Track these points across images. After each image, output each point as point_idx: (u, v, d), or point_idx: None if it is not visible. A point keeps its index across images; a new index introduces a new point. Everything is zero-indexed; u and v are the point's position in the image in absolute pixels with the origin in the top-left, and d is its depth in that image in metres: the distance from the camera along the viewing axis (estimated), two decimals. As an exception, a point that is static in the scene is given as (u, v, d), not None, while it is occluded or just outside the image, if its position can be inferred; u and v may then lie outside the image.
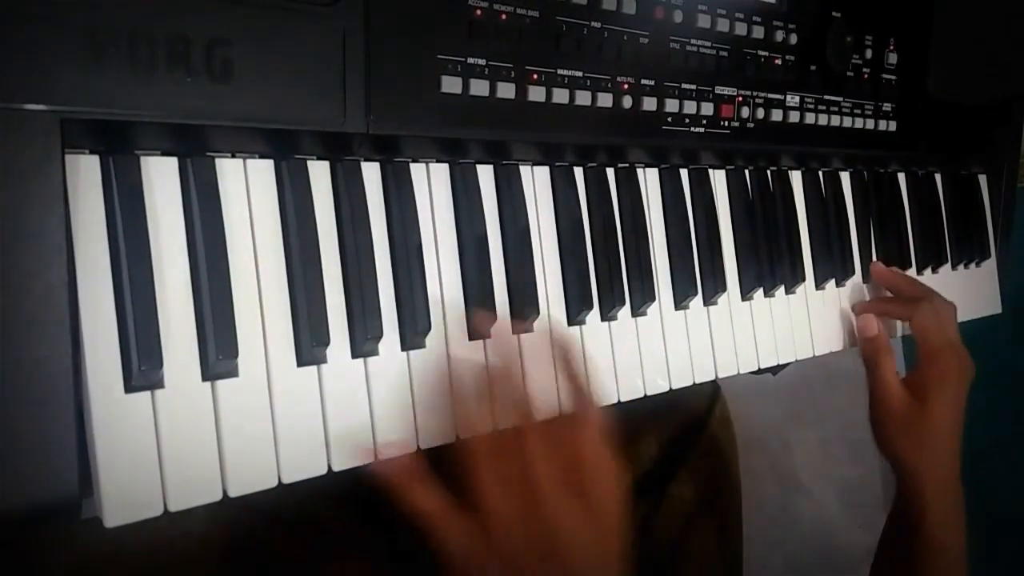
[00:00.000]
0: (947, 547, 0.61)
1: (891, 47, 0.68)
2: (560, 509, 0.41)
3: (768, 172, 0.65)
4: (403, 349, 0.45)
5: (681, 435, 0.76)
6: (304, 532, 0.56)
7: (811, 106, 0.63)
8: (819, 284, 0.68)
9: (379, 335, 0.43)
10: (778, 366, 0.65)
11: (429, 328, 0.45)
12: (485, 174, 0.49)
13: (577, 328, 0.52)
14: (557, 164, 0.52)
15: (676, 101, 0.54)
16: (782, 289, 0.65)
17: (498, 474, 0.41)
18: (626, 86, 0.52)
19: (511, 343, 0.48)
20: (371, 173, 0.45)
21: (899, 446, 0.63)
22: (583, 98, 0.49)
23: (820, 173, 0.69)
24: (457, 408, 0.45)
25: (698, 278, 0.59)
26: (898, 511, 0.65)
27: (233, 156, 0.41)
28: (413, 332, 0.44)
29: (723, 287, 0.60)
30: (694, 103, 0.55)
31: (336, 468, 0.42)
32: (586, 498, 0.42)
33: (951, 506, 0.62)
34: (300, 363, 0.41)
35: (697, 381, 0.58)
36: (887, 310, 0.69)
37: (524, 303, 0.49)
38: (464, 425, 0.44)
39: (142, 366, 0.36)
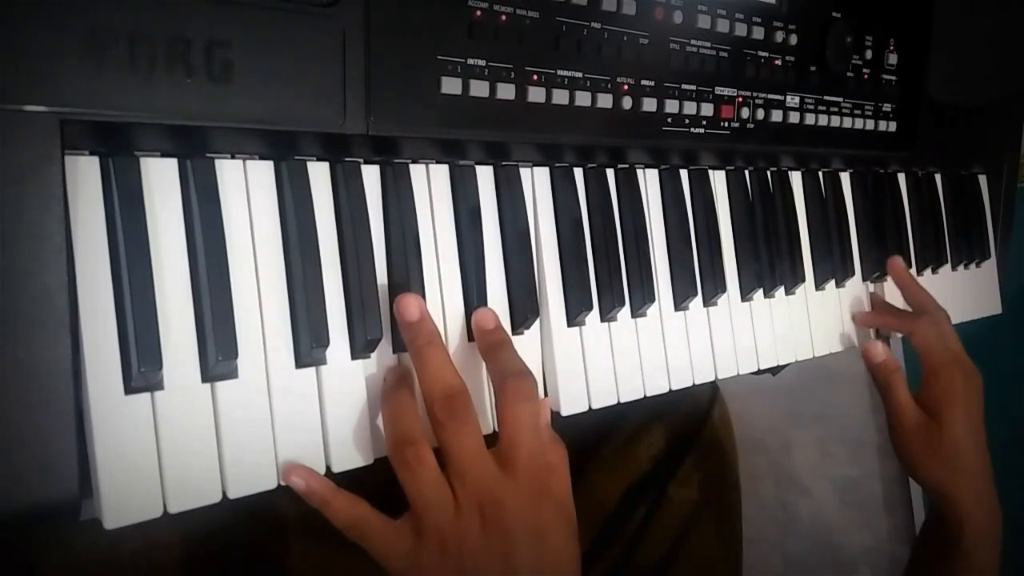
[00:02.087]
0: (982, 565, 0.60)
1: (891, 47, 0.68)
2: (492, 483, 0.41)
3: (768, 173, 0.65)
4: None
5: (680, 436, 0.76)
6: (303, 532, 0.56)
7: (811, 107, 0.63)
8: (819, 285, 0.68)
9: (378, 337, 0.43)
10: (778, 366, 0.66)
11: (429, 329, 0.45)
12: (485, 175, 0.49)
13: (577, 329, 0.52)
14: (557, 165, 0.52)
15: (676, 102, 0.54)
16: (782, 290, 0.65)
17: (421, 469, 0.41)
18: (626, 87, 0.52)
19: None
20: (371, 174, 0.45)
21: (925, 467, 0.62)
22: (583, 99, 0.49)
23: (820, 173, 0.69)
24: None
25: (698, 279, 0.59)
26: (932, 527, 0.65)
27: (233, 157, 0.41)
28: (413, 333, 0.44)
29: (723, 288, 0.60)
30: (694, 104, 0.55)
31: (336, 470, 0.42)
32: (516, 469, 0.41)
33: (986, 524, 0.61)
34: (299, 364, 0.41)
35: (697, 382, 0.58)
36: (888, 323, 0.69)
37: (524, 304, 0.49)
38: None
39: (142, 367, 0.36)
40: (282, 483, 0.40)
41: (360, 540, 0.41)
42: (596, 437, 0.73)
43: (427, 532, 0.40)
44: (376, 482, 0.42)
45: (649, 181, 0.57)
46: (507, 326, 0.49)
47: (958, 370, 0.63)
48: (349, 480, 0.42)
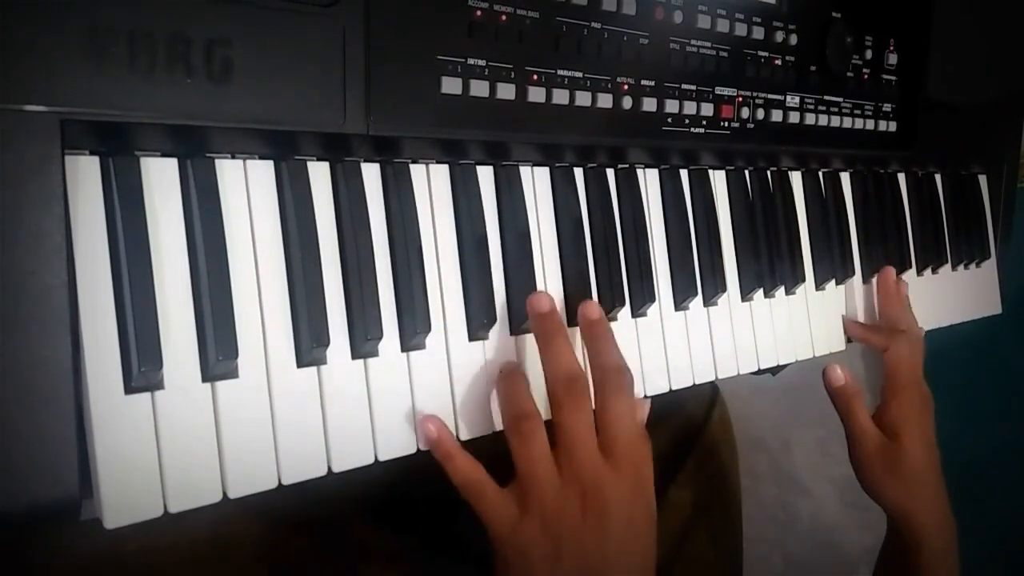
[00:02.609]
0: None
1: (891, 47, 0.68)
2: (597, 469, 0.43)
3: (768, 172, 0.65)
4: (403, 350, 0.45)
5: (680, 438, 0.76)
6: (303, 532, 0.55)
7: (811, 106, 0.63)
8: (819, 285, 0.68)
9: (379, 336, 0.43)
10: (778, 366, 0.66)
11: (429, 329, 0.45)
12: (485, 175, 0.49)
13: (577, 329, 0.52)
14: (557, 165, 0.52)
15: (676, 102, 0.54)
16: (782, 290, 0.65)
17: (534, 443, 0.43)
18: (626, 87, 0.52)
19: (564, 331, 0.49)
20: (371, 174, 0.45)
21: (885, 487, 0.63)
22: (583, 99, 0.49)
23: (820, 173, 0.69)
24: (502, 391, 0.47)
25: (698, 279, 0.59)
26: (891, 548, 0.65)
27: (233, 157, 0.41)
28: (413, 333, 0.44)
29: (723, 288, 0.60)
30: (694, 104, 0.55)
31: (336, 470, 0.42)
32: (618, 459, 0.44)
33: (944, 541, 0.62)
34: (300, 364, 0.41)
35: (697, 382, 0.58)
36: (866, 337, 0.69)
37: (524, 304, 0.49)
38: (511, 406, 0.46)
39: (142, 367, 0.36)
40: (420, 447, 0.44)
41: (472, 500, 0.44)
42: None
43: (532, 504, 0.43)
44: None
45: (649, 181, 0.57)
46: (506, 326, 0.49)
47: (918, 392, 0.65)
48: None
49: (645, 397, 0.55)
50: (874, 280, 0.72)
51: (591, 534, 0.43)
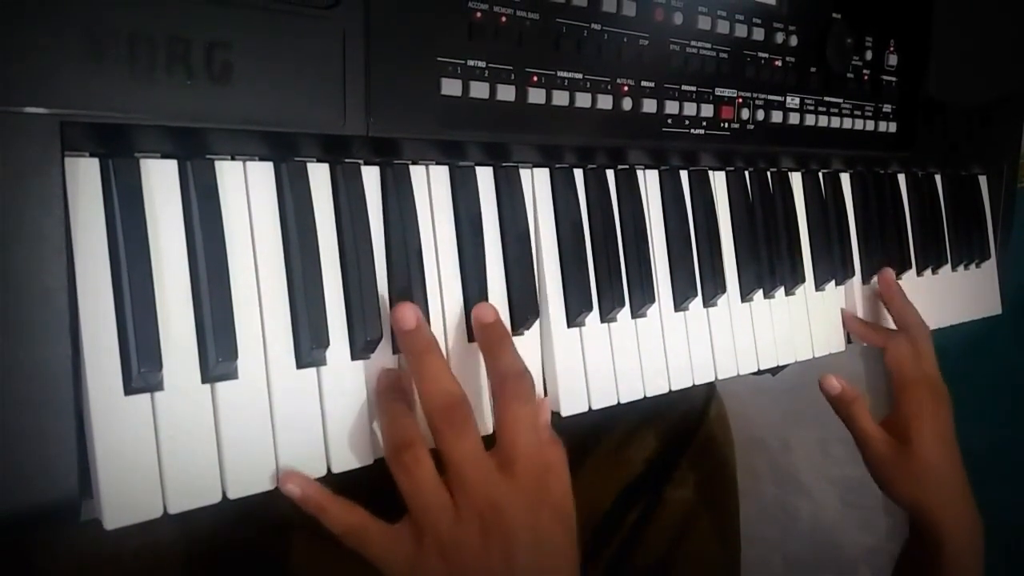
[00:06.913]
0: None
1: (891, 48, 0.68)
2: (491, 489, 0.41)
3: (768, 173, 0.65)
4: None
5: (676, 436, 0.76)
6: (303, 531, 0.56)
7: (811, 107, 0.63)
8: (819, 285, 0.68)
9: (378, 337, 0.43)
10: (778, 367, 0.66)
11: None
12: (485, 176, 0.49)
13: (577, 330, 0.52)
14: (557, 166, 0.52)
15: (676, 103, 0.54)
16: (782, 290, 0.65)
17: (418, 472, 0.40)
18: (626, 88, 0.52)
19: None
20: (371, 175, 0.45)
21: (899, 487, 0.62)
22: (583, 100, 0.49)
23: (820, 174, 0.69)
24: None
25: (698, 279, 0.59)
26: (913, 549, 0.64)
27: (233, 158, 0.41)
28: (413, 334, 0.44)
29: (723, 288, 0.60)
30: (694, 105, 0.55)
31: (335, 470, 0.42)
32: (516, 471, 0.41)
33: (968, 541, 0.61)
34: (300, 365, 0.41)
35: (697, 382, 0.58)
36: (865, 334, 0.69)
37: (524, 305, 0.49)
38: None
39: (141, 368, 0.36)
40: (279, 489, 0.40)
41: (358, 547, 0.41)
42: (593, 436, 0.73)
43: (426, 537, 0.40)
44: (375, 484, 0.42)
45: (649, 182, 0.57)
46: (507, 327, 0.49)
47: (926, 388, 0.63)
48: (349, 481, 0.42)
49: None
50: (874, 280, 0.72)
51: (496, 558, 0.40)
